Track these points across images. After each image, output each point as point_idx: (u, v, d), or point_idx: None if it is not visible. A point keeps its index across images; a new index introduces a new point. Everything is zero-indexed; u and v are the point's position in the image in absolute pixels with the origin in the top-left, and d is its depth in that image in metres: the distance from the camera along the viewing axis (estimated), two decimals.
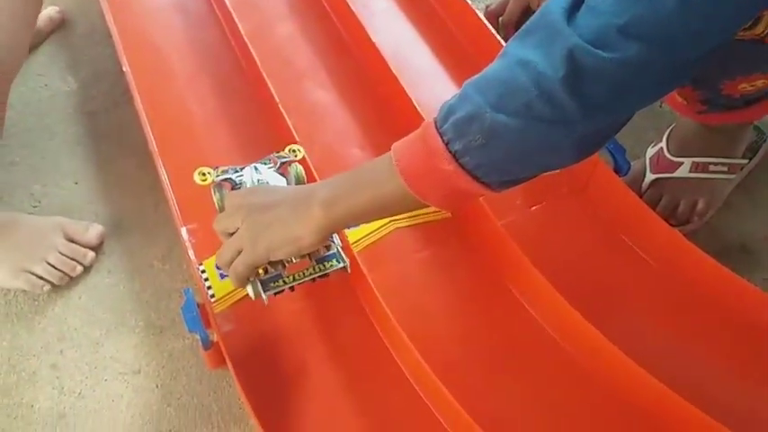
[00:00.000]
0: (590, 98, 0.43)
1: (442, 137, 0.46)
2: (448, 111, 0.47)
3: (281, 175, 0.61)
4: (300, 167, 0.62)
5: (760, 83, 0.62)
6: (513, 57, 0.44)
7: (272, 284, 0.56)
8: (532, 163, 0.48)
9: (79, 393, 0.64)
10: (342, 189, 0.52)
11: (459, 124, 0.46)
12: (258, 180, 0.59)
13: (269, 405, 0.57)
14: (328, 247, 0.57)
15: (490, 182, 0.48)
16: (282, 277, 0.56)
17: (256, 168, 0.60)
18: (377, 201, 0.51)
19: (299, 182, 0.61)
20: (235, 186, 0.60)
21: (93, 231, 0.72)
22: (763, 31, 0.54)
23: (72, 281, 0.71)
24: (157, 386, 0.64)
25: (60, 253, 0.70)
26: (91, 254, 0.71)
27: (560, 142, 0.46)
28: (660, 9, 0.40)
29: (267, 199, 0.54)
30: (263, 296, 0.56)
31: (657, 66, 0.42)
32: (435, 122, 0.47)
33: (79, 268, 0.70)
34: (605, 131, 0.48)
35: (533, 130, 0.44)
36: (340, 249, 0.58)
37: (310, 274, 0.57)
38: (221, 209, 0.60)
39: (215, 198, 0.60)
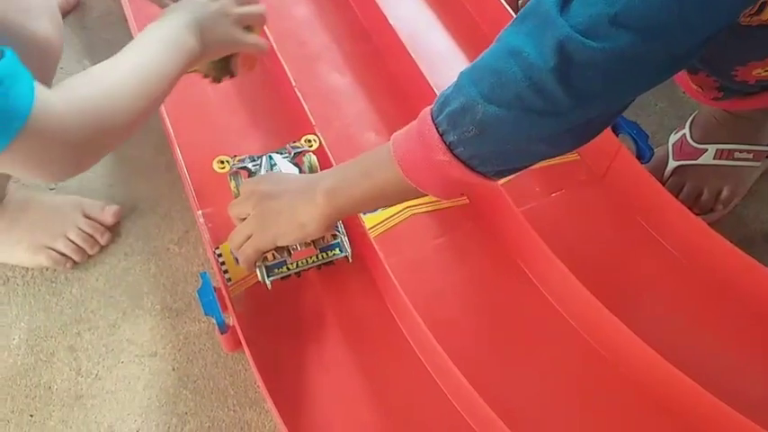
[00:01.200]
0: (581, 89, 0.43)
1: (437, 128, 0.47)
2: (443, 102, 0.47)
3: (296, 165, 0.63)
4: (314, 157, 0.64)
5: None
6: (506, 45, 0.44)
7: (276, 270, 0.59)
8: (527, 152, 0.49)
9: (96, 375, 0.64)
10: (344, 179, 0.54)
11: (452, 116, 0.46)
12: (273, 167, 0.62)
13: (285, 389, 0.57)
14: (334, 236, 0.60)
15: (486, 171, 0.48)
16: (287, 264, 0.59)
17: (271, 158, 0.63)
18: (377, 190, 0.52)
19: (311, 172, 0.63)
20: (251, 174, 0.63)
21: (110, 210, 0.73)
22: None
23: (88, 263, 0.71)
24: (174, 369, 0.64)
25: (80, 229, 0.70)
26: (108, 233, 0.72)
27: (553, 132, 0.46)
28: None
29: (277, 187, 0.57)
30: (267, 281, 0.59)
31: (649, 56, 0.42)
32: (431, 113, 0.48)
33: (97, 246, 0.71)
34: (600, 120, 0.48)
35: (525, 121, 0.44)
36: (344, 239, 0.60)
37: (314, 261, 0.60)
38: (237, 195, 0.62)
39: (231, 185, 0.63)
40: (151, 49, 0.51)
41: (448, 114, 0.46)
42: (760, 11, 0.52)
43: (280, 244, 0.57)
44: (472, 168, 0.48)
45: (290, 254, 0.59)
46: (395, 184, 0.51)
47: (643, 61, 0.42)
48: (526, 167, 0.51)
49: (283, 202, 0.55)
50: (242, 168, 0.63)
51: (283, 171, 0.61)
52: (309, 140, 0.66)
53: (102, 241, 0.71)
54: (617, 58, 0.41)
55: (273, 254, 0.59)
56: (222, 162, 0.64)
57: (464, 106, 0.45)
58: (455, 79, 0.48)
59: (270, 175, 0.61)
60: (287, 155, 0.64)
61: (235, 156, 0.64)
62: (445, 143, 0.47)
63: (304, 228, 0.55)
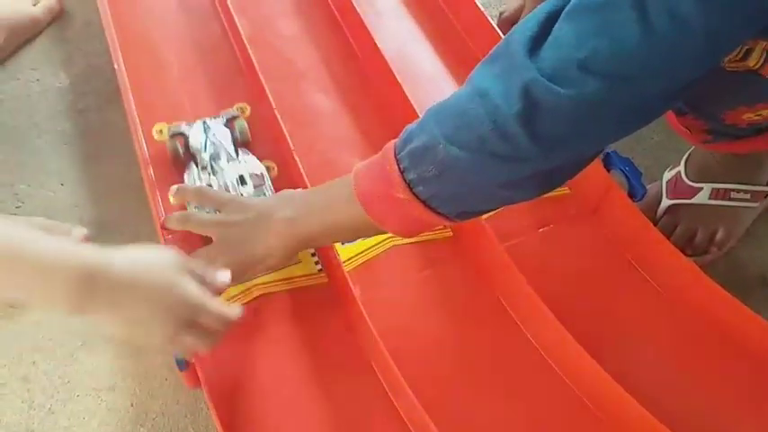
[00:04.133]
0: (545, 135, 0.41)
1: (398, 164, 0.46)
2: (407, 138, 0.46)
3: (228, 128, 0.67)
4: (244, 122, 0.68)
5: (767, 113, 0.58)
6: (475, 86, 0.43)
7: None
8: (488, 197, 0.47)
9: (49, 409, 0.60)
10: (304, 209, 0.53)
11: (414, 154, 0.45)
12: (207, 130, 0.66)
13: (245, 429, 0.53)
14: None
15: (446, 212, 0.47)
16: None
17: (205, 122, 0.67)
18: (337, 223, 0.51)
19: (243, 136, 0.67)
20: (187, 140, 0.65)
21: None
22: (756, 63, 0.50)
23: None
24: (132, 405, 0.61)
25: None
26: None
27: (514, 178, 0.44)
28: (621, 44, 0.38)
29: (239, 218, 0.55)
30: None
31: (616, 103, 0.40)
32: (395, 148, 0.46)
33: None
34: (567, 169, 0.46)
35: (486, 164, 0.43)
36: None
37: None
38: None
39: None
40: None
41: (410, 151, 0.45)
42: (745, 57, 0.50)
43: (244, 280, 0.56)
44: (432, 209, 0.46)
45: None
46: (355, 219, 0.49)
47: (610, 109, 0.40)
48: (488, 212, 0.49)
49: (244, 234, 0.54)
50: (178, 134, 0.66)
51: (217, 134, 0.65)
52: (241, 108, 0.70)
53: None
54: (583, 105, 0.39)
55: None
56: (160, 131, 0.67)
57: (426, 145, 0.44)
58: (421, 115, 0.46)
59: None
60: (220, 119, 0.68)
61: (172, 122, 0.67)
62: (405, 181, 0.45)
63: (266, 260, 0.54)
